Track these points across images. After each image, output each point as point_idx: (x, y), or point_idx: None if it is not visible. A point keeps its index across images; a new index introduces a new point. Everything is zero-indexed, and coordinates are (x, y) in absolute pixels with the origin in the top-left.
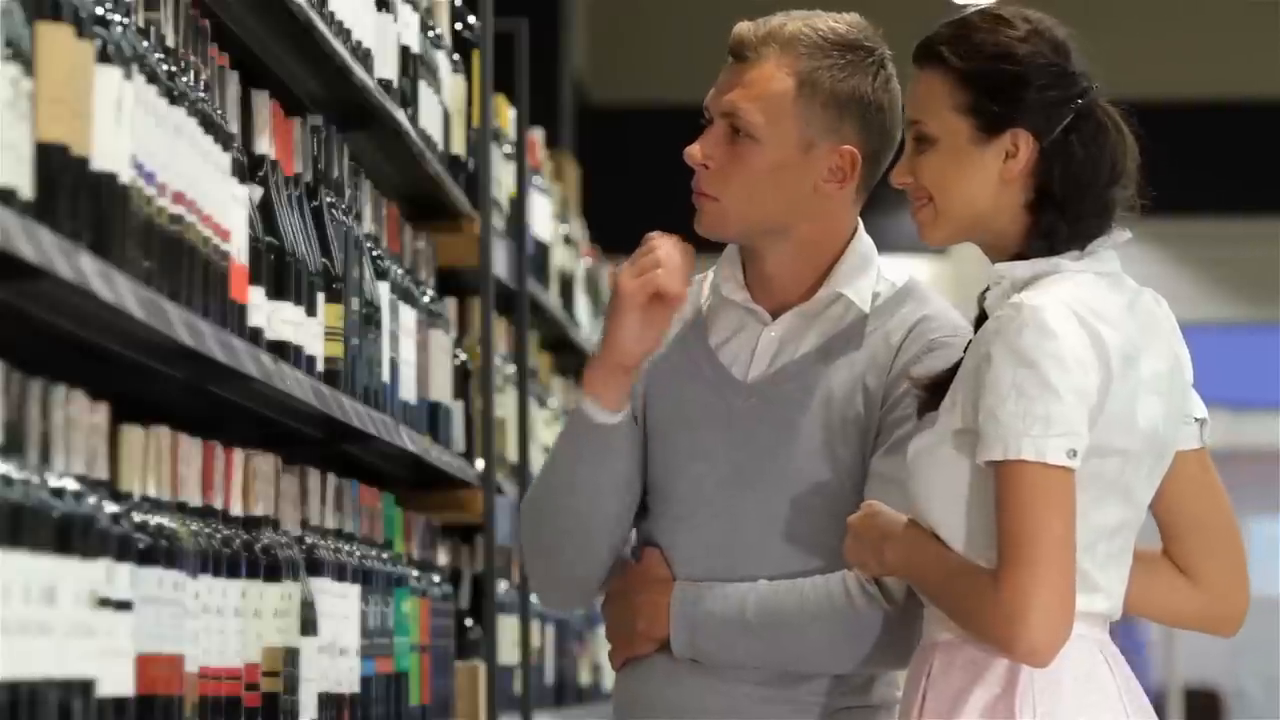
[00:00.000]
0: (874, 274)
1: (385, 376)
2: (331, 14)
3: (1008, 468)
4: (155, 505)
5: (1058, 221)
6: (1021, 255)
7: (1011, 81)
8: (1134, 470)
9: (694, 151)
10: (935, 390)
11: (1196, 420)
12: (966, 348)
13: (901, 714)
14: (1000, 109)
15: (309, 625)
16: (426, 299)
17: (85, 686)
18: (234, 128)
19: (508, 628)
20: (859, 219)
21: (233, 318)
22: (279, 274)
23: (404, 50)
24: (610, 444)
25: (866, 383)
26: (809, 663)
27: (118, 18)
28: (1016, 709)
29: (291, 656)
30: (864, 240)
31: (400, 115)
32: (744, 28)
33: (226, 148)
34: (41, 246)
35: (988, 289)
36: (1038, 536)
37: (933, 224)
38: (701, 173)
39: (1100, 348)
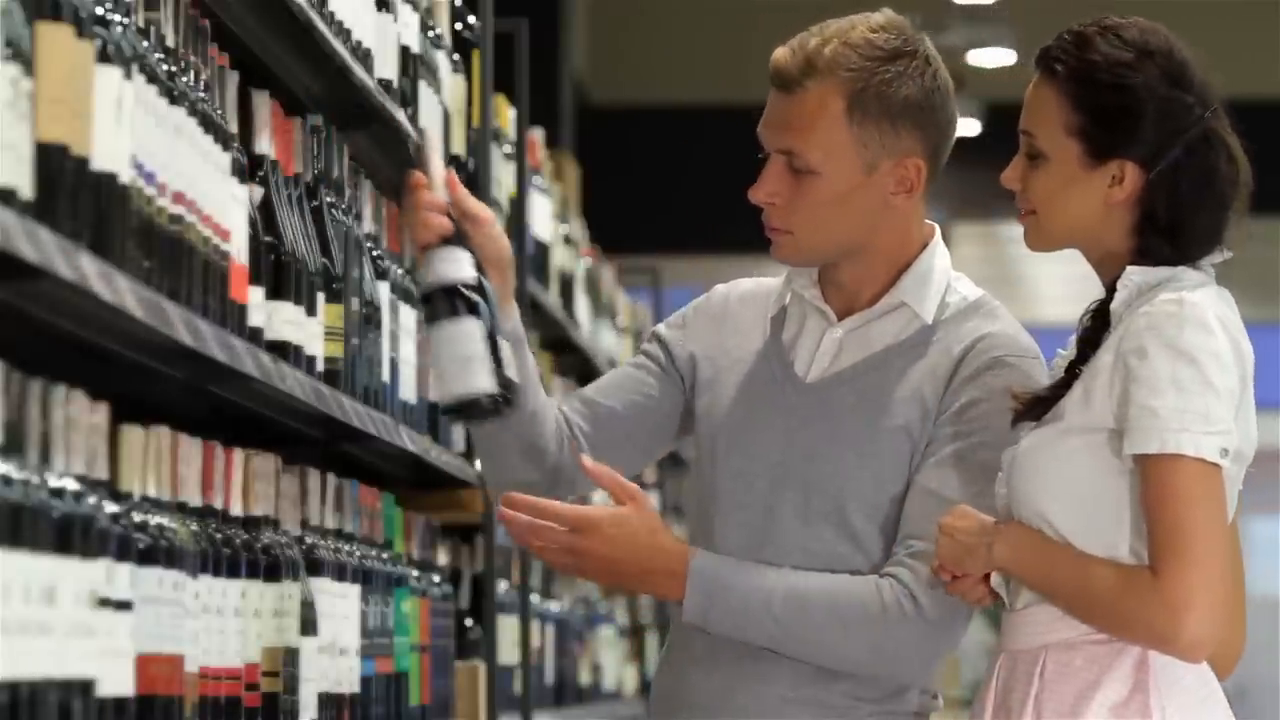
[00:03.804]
0: (942, 286)
1: (385, 376)
2: (331, 14)
3: (1163, 462)
4: (155, 505)
5: (1163, 246)
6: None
7: (1124, 113)
8: (1239, 478)
9: (757, 193)
10: (1035, 405)
11: None
12: (1085, 340)
13: (991, 716)
14: (1110, 138)
15: (309, 625)
16: None
17: (85, 686)
18: (234, 128)
19: (508, 628)
20: (938, 230)
21: (233, 318)
22: (279, 274)
23: (404, 50)
24: None
25: (923, 393)
26: (822, 658)
27: (118, 18)
28: (1152, 706)
29: (291, 656)
30: (937, 252)
31: (400, 115)
32: (782, 57)
33: (226, 148)
34: (41, 246)
35: (1109, 295)
36: (1198, 531)
37: (1035, 234)
38: (769, 209)
39: (1239, 354)
